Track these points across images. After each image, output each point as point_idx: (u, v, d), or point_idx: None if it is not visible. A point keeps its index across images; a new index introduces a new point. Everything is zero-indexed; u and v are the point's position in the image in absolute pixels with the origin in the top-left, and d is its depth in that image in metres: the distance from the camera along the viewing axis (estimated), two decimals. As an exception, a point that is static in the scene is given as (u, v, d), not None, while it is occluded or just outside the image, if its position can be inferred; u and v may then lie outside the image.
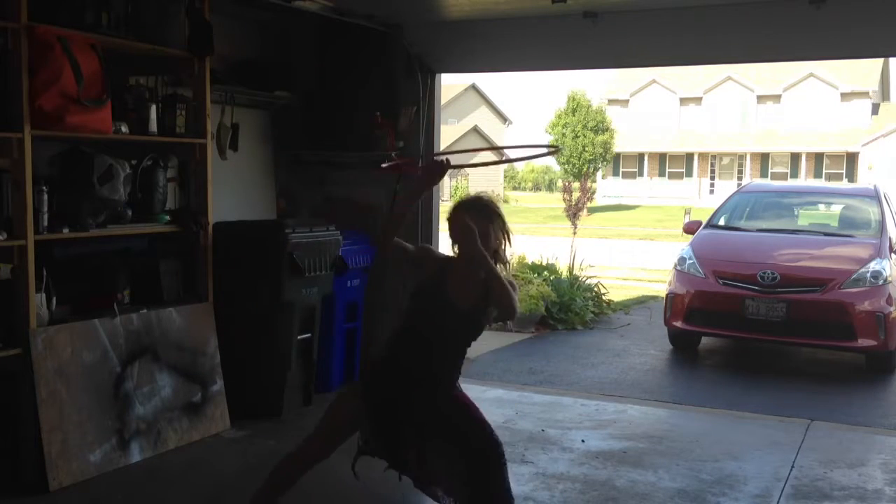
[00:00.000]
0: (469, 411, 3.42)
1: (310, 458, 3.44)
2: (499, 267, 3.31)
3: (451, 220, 3.34)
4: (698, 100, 43.85)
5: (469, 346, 3.41)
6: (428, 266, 3.40)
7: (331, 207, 6.67)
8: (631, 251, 20.23)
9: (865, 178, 34.17)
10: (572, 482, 4.59)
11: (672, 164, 44.66)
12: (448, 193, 43.16)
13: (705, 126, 43.59)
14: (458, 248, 3.28)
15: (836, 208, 9.61)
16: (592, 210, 29.94)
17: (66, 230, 4.44)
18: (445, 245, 3.53)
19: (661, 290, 9.80)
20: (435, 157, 3.45)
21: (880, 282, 7.61)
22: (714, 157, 43.86)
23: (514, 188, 58.51)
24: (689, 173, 44.16)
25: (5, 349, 4.16)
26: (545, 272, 10.21)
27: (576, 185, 13.48)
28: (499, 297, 3.18)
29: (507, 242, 3.38)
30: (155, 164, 5.09)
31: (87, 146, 4.66)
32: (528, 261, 10.69)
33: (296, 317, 5.54)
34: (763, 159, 42.56)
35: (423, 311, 3.35)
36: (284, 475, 3.44)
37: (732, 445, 5.31)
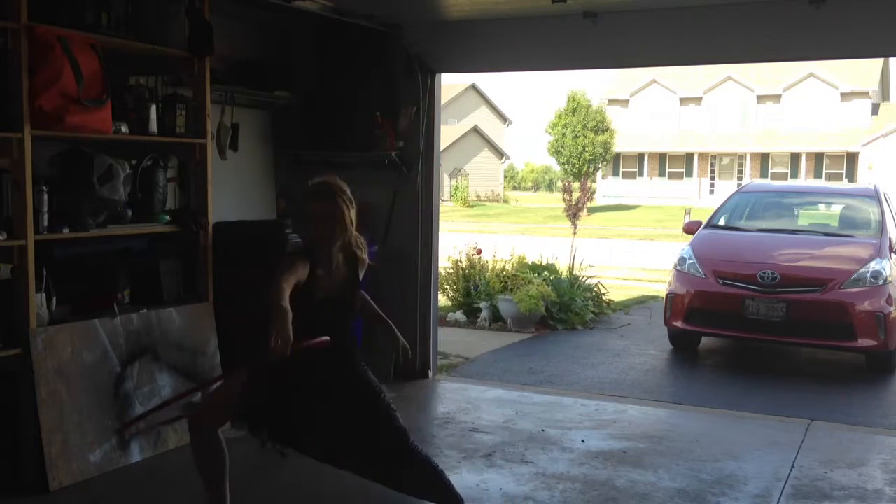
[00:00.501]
0: (371, 385, 3.64)
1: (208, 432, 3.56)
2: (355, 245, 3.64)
3: (308, 211, 3.51)
4: (698, 100, 43.86)
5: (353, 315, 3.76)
6: (302, 270, 3.46)
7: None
8: (631, 251, 20.23)
9: (865, 178, 34.18)
10: (572, 482, 4.59)
11: (672, 164, 44.66)
12: (448, 193, 43.22)
13: (705, 126, 43.59)
14: (315, 241, 3.51)
15: (836, 208, 9.61)
16: (592, 210, 29.99)
17: (66, 230, 4.44)
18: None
19: (661, 290, 9.80)
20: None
21: (880, 282, 7.61)
22: (714, 157, 43.87)
23: (514, 188, 58.56)
24: (689, 173, 44.16)
25: (5, 349, 4.16)
26: (545, 272, 10.20)
27: (576, 185, 13.49)
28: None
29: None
30: (155, 164, 5.09)
31: (87, 146, 4.66)
32: (528, 261, 10.68)
33: (296, 317, 5.53)
34: (763, 159, 42.56)
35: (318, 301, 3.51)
36: (209, 462, 3.59)
37: (732, 445, 5.31)
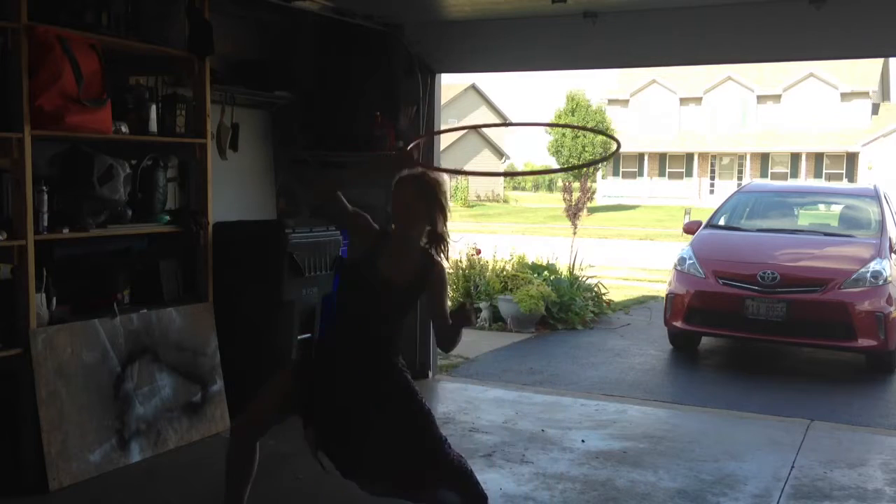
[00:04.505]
0: (414, 399, 3.53)
1: (243, 439, 3.38)
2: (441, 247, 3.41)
3: (397, 195, 3.35)
4: (698, 100, 43.85)
5: (401, 322, 3.43)
6: (364, 238, 3.33)
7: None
8: (631, 251, 20.23)
9: (865, 178, 34.17)
10: (572, 482, 4.59)
11: (672, 164, 44.66)
12: (448, 193, 43.20)
13: (705, 126, 43.58)
14: (400, 226, 3.34)
15: (837, 208, 9.62)
16: (592, 210, 30.00)
17: (66, 230, 4.44)
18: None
19: (661, 290, 9.80)
20: (408, 149, 3.47)
21: (880, 282, 7.60)
22: (714, 157, 43.86)
23: (514, 188, 58.49)
24: (689, 173, 44.16)
25: (5, 349, 4.16)
26: (545, 272, 10.20)
27: (576, 185, 13.47)
28: (439, 292, 3.34)
29: (444, 223, 3.43)
30: (155, 164, 5.10)
31: (87, 146, 4.66)
32: (528, 261, 10.68)
33: (296, 317, 5.54)
34: (763, 159, 42.56)
35: (356, 286, 3.34)
36: (236, 470, 3.39)
37: (732, 445, 5.31)
